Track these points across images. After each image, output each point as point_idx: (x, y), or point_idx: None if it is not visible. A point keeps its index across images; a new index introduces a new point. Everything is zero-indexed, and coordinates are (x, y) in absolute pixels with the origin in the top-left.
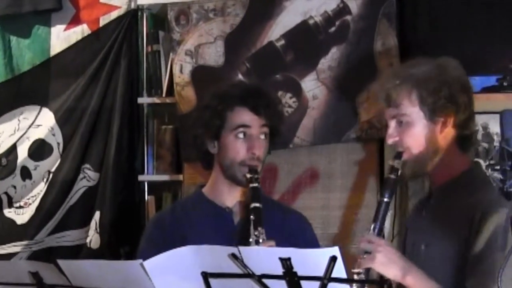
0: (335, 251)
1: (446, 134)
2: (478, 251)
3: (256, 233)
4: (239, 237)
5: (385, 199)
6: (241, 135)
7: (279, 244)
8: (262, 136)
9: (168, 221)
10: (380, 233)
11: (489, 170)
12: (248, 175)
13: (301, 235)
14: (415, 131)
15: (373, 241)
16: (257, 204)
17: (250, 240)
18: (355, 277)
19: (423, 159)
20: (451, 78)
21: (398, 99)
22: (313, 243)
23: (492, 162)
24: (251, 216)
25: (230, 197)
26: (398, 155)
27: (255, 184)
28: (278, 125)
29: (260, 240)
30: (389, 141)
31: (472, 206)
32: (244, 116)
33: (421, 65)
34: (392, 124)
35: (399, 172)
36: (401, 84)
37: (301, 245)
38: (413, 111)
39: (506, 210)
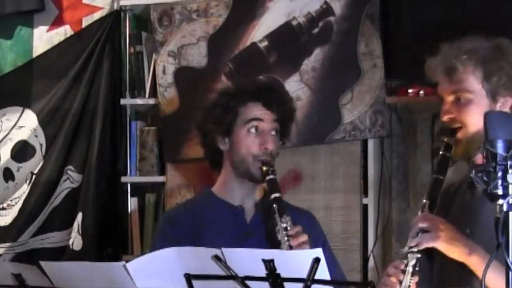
0: (318, 252)
1: None
2: None
3: (283, 219)
4: (253, 235)
5: (439, 177)
6: (253, 130)
7: None
8: (273, 132)
9: (181, 217)
10: (433, 210)
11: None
12: (264, 168)
13: (313, 233)
14: (475, 108)
15: (432, 218)
16: (277, 194)
17: (277, 228)
18: (410, 255)
19: (480, 138)
20: None
21: (464, 74)
22: (319, 242)
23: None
24: (274, 205)
25: (242, 195)
26: (453, 132)
27: (272, 176)
28: (289, 122)
29: (289, 228)
30: (445, 117)
31: None
32: (257, 110)
33: (482, 42)
34: (450, 99)
35: (452, 150)
36: (468, 59)
37: (314, 243)
38: (476, 89)
39: None
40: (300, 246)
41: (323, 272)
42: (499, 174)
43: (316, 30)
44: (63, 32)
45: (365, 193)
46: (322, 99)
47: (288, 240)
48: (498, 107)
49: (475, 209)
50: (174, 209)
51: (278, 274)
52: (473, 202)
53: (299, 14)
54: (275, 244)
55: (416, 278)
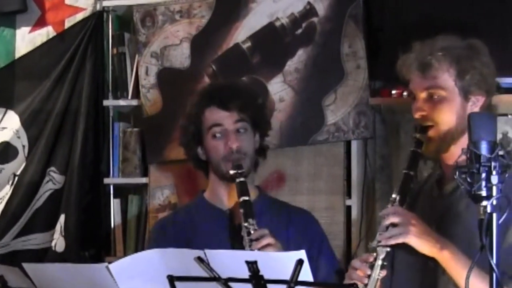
0: (302, 254)
1: None
2: None
3: (246, 224)
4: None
5: (410, 172)
6: (217, 134)
7: (284, 243)
8: (242, 130)
9: (170, 226)
10: (403, 205)
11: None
12: (232, 172)
13: (305, 233)
14: (448, 107)
15: (403, 213)
16: (246, 198)
17: (242, 233)
18: (380, 249)
19: (451, 136)
20: (486, 59)
21: (438, 70)
22: (317, 241)
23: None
24: (241, 210)
25: (230, 199)
26: (424, 129)
27: (241, 179)
28: (258, 116)
29: (252, 231)
30: (417, 114)
31: None
32: (214, 115)
33: (456, 41)
34: (423, 96)
35: (423, 146)
36: (444, 56)
37: (305, 243)
38: (450, 86)
39: None
40: (262, 249)
41: (306, 274)
42: (483, 175)
43: (299, 31)
44: (46, 33)
45: (349, 194)
46: (305, 100)
47: (250, 245)
48: (469, 105)
49: (443, 205)
50: (166, 217)
51: (262, 276)
52: (441, 198)
53: (282, 15)
54: (240, 248)
55: (384, 272)
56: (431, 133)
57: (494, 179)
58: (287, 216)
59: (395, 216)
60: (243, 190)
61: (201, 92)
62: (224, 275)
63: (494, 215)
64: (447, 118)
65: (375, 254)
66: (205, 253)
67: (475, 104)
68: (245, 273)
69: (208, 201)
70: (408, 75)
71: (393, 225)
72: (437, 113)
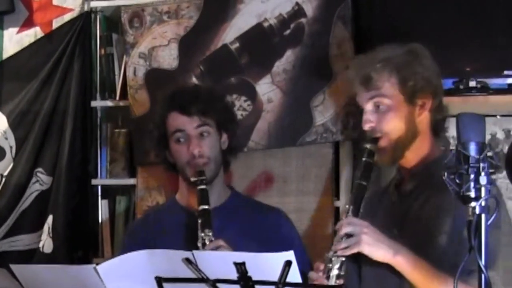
0: (290, 255)
1: (423, 118)
2: None
3: (202, 235)
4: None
5: (362, 182)
6: (180, 140)
7: (254, 242)
8: (205, 133)
9: (139, 231)
10: (357, 215)
11: (446, 173)
12: (193, 179)
13: (276, 232)
14: (395, 115)
15: (356, 223)
16: (206, 207)
17: (198, 244)
18: (335, 259)
19: (402, 143)
20: (427, 62)
21: (379, 81)
22: (288, 240)
23: (448, 165)
24: (199, 220)
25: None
26: (375, 140)
27: (202, 186)
28: (222, 117)
29: (207, 242)
30: (366, 126)
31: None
32: (176, 120)
33: (395, 50)
34: (369, 107)
35: (375, 156)
36: (382, 67)
37: (276, 242)
38: (393, 94)
39: None
40: None
41: (294, 275)
42: (472, 176)
43: (287, 32)
44: (33, 33)
45: (337, 195)
46: (293, 101)
47: None
48: (417, 110)
49: (402, 209)
50: (135, 222)
51: (250, 277)
52: (399, 202)
53: (271, 15)
54: None
55: (341, 281)
56: (382, 143)
57: (483, 180)
58: (259, 216)
59: (348, 226)
60: (203, 198)
61: (164, 97)
62: (212, 276)
63: (483, 216)
64: (395, 126)
65: (330, 265)
66: (193, 254)
67: (423, 107)
68: (234, 274)
69: (178, 202)
70: (353, 90)
71: (348, 235)
72: (385, 123)
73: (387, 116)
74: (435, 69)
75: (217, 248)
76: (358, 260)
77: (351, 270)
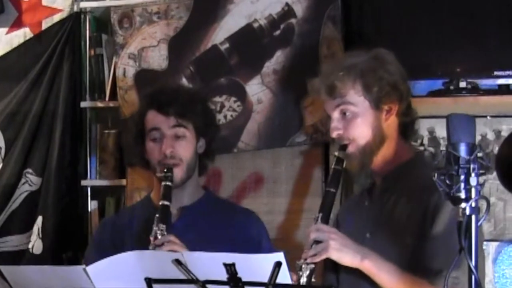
0: (280, 256)
1: (391, 122)
2: (439, 232)
3: (155, 228)
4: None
5: (331, 190)
6: (155, 139)
7: (222, 243)
8: (180, 135)
9: (110, 225)
10: (327, 223)
11: (436, 174)
12: (159, 174)
13: (243, 232)
14: (361, 121)
15: (324, 229)
16: (166, 202)
17: (150, 237)
18: (304, 267)
19: (370, 149)
20: (392, 67)
21: (343, 89)
22: (255, 241)
23: (438, 166)
24: (157, 214)
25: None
26: (343, 147)
27: (168, 183)
28: (200, 121)
29: (158, 236)
30: (334, 134)
31: (422, 192)
32: (153, 119)
33: (360, 56)
34: (336, 115)
35: (345, 163)
36: (345, 75)
37: (242, 242)
38: (359, 101)
39: None
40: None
41: (284, 276)
42: (462, 177)
43: (277, 33)
44: (23, 34)
45: None
46: (283, 101)
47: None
48: (384, 115)
49: (373, 212)
50: (109, 217)
51: (239, 278)
52: (372, 206)
53: (260, 16)
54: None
55: None
56: (350, 149)
57: (473, 181)
58: (229, 217)
59: (316, 232)
60: (165, 194)
61: (145, 94)
62: (202, 277)
63: (473, 217)
64: (363, 132)
65: (301, 272)
66: (182, 255)
67: (390, 112)
68: (223, 275)
69: (152, 200)
70: (320, 98)
71: (316, 242)
72: (352, 129)
73: (354, 123)
74: (401, 73)
75: (165, 243)
76: (336, 269)
77: (331, 278)
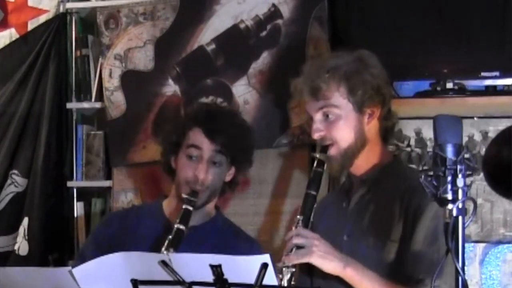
0: (266, 258)
1: (372, 126)
2: (420, 239)
3: (165, 252)
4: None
5: (312, 192)
6: (191, 156)
7: None
8: (214, 161)
9: (115, 222)
10: (307, 226)
11: (423, 176)
12: (185, 196)
13: None
14: (344, 124)
15: (306, 235)
16: (182, 227)
17: None
18: (285, 270)
19: (352, 152)
20: (376, 70)
21: (328, 92)
22: None
23: (425, 167)
24: (169, 236)
25: (180, 213)
26: (324, 149)
27: (188, 207)
28: (239, 155)
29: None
30: (316, 135)
31: (402, 197)
32: (197, 137)
33: (343, 57)
34: (318, 117)
35: (325, 166)
36: (330, 77)
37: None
38: (343, 103)
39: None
40: None
41: (271, 278)
42: (449, 178)
43: (264, 33)
44: (8, 35)
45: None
46: (270, 102)
47: None
48: (366, 119)
49: (352, 215)
50: (115, 212)
51: (226, 280)
52: (350, 209)
53: (247, 17)
54: None
55: None
56: (332, 151)
57: (460, 182)
58: (234, 241)
59: (299, 237)
60: (183, 218)
61: (197, 109)
62: (188, 279)
63: (460, 218)
64: (345, 135)
65: (281, 275)
66: (169, 257)
67: (372, 116)
68: (210, 277)
69: (163, 210)
70: (302, 99)
71: (298, 246)
72: (335, 131)
73: (337, 125)
74: (383, 77)
75: None
76: (311, 272)
77: (304, 281)
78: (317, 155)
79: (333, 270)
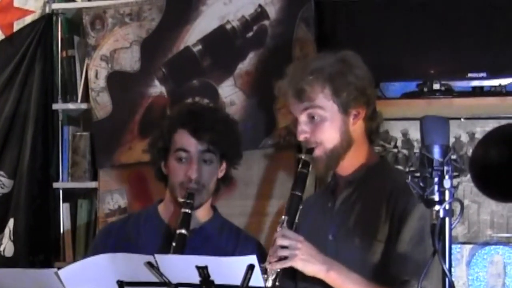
0: (253, 259)
1: (357, 126)
2: (406, 241)
3: None
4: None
5: (297, 193)
6: (181, 158)
7: None
8: (208, 159)
9: (115, 232)
10: (292, 227)
11: (409, 177)
12: (181, 200)
13: None
14: (329, 125)
15: (290, 236)
16: (183, 231)
17: None
18: (269, 270)
19: (337, 153)
20: (360, 71)
21: (312, 93)
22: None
23: (412, 169)
24: (173, 243)
25: (179, 217)
26: (310, 150)
27: (187, 210)
28: (229, 150)
29: None
30: (301, 137)
31: (388, 198)
32: (184, 139)
33: (327, 59)
34: (303, 118)
35: (311, 167)
36: (314, 79)
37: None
38: (327, 105)
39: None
40: None
41: (257, 279)
42: (436, 179)
43: (250, 34)
44: None
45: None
46: (256, 103)
47: None
48: (351, 120)
49: (338, 216)
50: (114, 222)
51: (212, 281)
52: (336, 209)
53: (233, 17)
54: None
55: None
56: (317, 152)
57: (447, 183)
58: (235, 241)
59: (283, 239)
60: (183, 222)
61: (179, 111)
62: (174, 280)
63: (447, 219)
64: (330, 136)
65: (265, 275)
66: (155, 258)
67: (357, 117)
68: (196, 278)
69: (160, 214)
70: (287, 100)
71: (282, 247)
72: (320, 133)
73: (322, 126)
74: (368, 78)
75: None
76: (294, 275)
77: (288, 285)
78: (302, 156)
79: (316, 273)
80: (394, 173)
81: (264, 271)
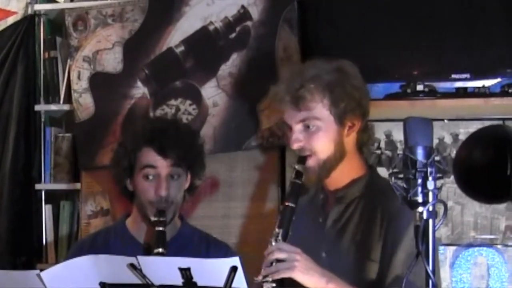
0: (236, 261)
1: (351, 138)
2: (401, 260)
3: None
4: None
5: (290, 204)
6: (148, 176)
7: None
8: (175, 176)
9: (87, 248)
10: (286, 239)
11: (393, 178)
12: (153, 218)
13: None
14: (324, 135)
15: (287, 249)
16: (160, 250)
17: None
18: (265, 285)
19: (330, 164)
20: (357, 82)
21: (312, 102)
22: None
23: (395, 170)
24: None
25: (148, 232)
26: (303, 160)
27: (160, 228)
28: (194, 162)
29: None
30: (295, 146)
31: (379, 210)
32: (150, 156)
33: (323, 67)
34: (298, 127)
35: (303, 177)
36: (314, 88)
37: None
38: (325, 115)
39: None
40: None
41: (240, 281)
42: (419, 181)
43: (233, 35)
44: None
45: (283, 201)
46: (239, 105)
47: None
48: (346, 131)
49: (331, 233)
50: (84, 238)
51: (195, 283)
52: (327, 225)
53: (216, 18)
54: None
55: None
56: (310, 162)
57: (430, 184)
58: (205, 249)
59: (280, 252)
60: (159, 240)
61: (142, 129)
62: (157, 282)
63: (430, 221)
64: (325, 146)
65: None
66: (137, 260)
67: (352, 128)
68: (179, 280)
69: (128, 229)
70: (281, 108)
71: (278, 260)
72: (315, 142)
73: (317, 136)
74: (364, 88)
75: None
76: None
77: None
78: (296, 166)
79: (315, 285)
80: (384, 188)
81: (259, 286)
